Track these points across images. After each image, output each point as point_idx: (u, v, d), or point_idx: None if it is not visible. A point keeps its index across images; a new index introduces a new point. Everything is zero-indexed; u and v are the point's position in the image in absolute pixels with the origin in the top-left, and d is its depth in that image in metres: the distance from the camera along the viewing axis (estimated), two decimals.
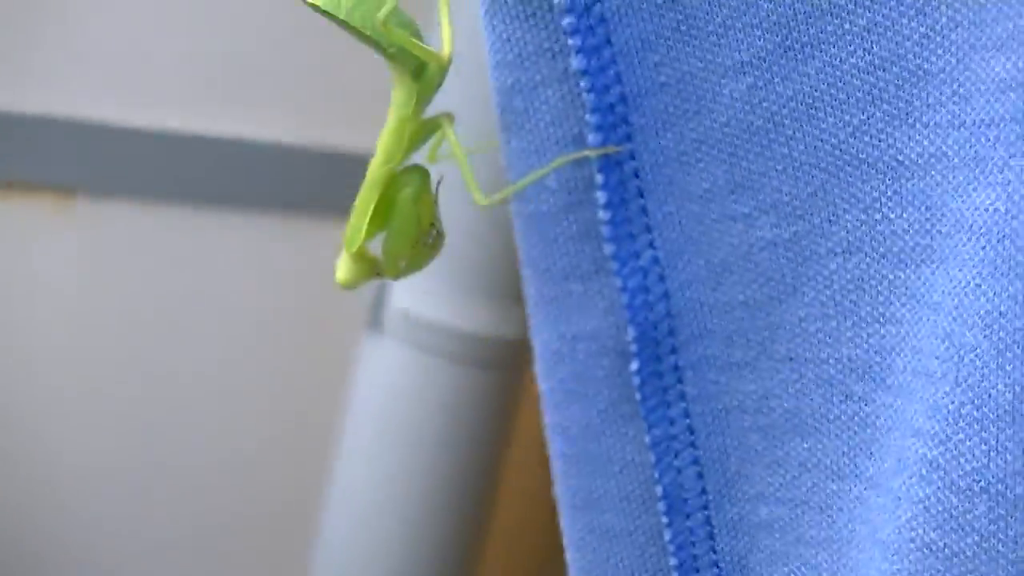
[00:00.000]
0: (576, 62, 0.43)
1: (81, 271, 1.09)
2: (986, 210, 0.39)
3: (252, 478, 1.17)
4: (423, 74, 0.46)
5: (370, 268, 0.47)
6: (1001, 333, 0.38)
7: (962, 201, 0.40)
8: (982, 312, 0.39)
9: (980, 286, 0.39)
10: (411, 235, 0.46)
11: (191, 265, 1.11)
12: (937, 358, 0.40)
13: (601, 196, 0.44)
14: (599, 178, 0.44)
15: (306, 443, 1.13)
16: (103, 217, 1.08)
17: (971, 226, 0.39)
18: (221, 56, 1.07)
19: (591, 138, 0.44)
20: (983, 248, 0.39)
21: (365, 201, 0.46)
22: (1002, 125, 0.38)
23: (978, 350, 0.39)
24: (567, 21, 0.43)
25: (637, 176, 0.45)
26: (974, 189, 0.39)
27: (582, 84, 0.43)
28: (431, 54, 0.45)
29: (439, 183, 0.46)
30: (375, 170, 0.46)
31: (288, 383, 1.14)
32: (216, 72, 1.06)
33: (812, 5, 0.42)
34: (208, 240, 1.10)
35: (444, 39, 0.46)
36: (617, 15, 0.44)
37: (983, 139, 0.39)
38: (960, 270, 0.40)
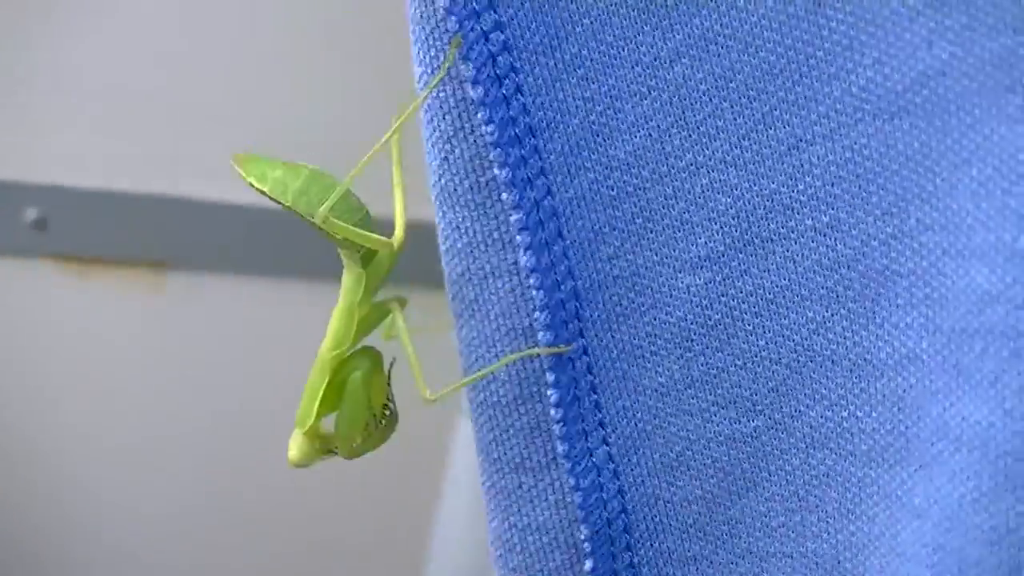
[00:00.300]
0: (524, 259, 0.41)
1: (172, 341, 1.12)
2: (977, 423, 0.37)
3: (352, 555, 1.18)
4: (372, 260, 0.44)
5: (323, 446, 0.46)
6: (1011, 549, 0.37)
7: (943, 409, 0.39)
8: (986, 528, 0.37)
9: (980, 501, 0.38)
10: (361, 417, 0.45)
11: (281, 336, 1.13)
12: (929, 568, 0.39)
13: (552, 394, 0.43)
14: (549, 376, 0.42)
15: (406, 520, 1.14)
16: (193, 289, 1.12)
17: (959, 437, 0.38)
18: (309, 133, 1.09)
19: (540, 336, 0.42)
20: (978, 462, 0.38)
21: (314, 384, 0.45)
22: (989, 338, 0.37)
23: (983, 564, 0.37)
24: (515, 217, 0.41)
25: (590, 372, 0.43)
26: (958, 399, 0.38)
27: (531, 281, 0.42)
28: (380, 242, 0.43)
29: (392, 364, 0.45)
30: (324, 354, 0.44)
31: (387, 459, 1.12)
32: (304, 148, 1.05)
33: (772, 201, 0.41)
34: (297, 311, 1.12)
35: (397, 224, 0.44)
36: (570, 207, 0.42)
37: (965, 348, 0.38)
38: (951, 482, 0.38)
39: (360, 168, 0.42)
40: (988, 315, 0.37)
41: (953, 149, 0.38)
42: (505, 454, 0.44)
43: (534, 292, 0.42)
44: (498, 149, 0.41)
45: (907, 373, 0.40)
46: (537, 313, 0.42)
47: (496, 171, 0.41)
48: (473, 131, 0.41)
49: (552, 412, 0.43)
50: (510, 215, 0.41)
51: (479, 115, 0.40)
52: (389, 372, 0.45)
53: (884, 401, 0.41)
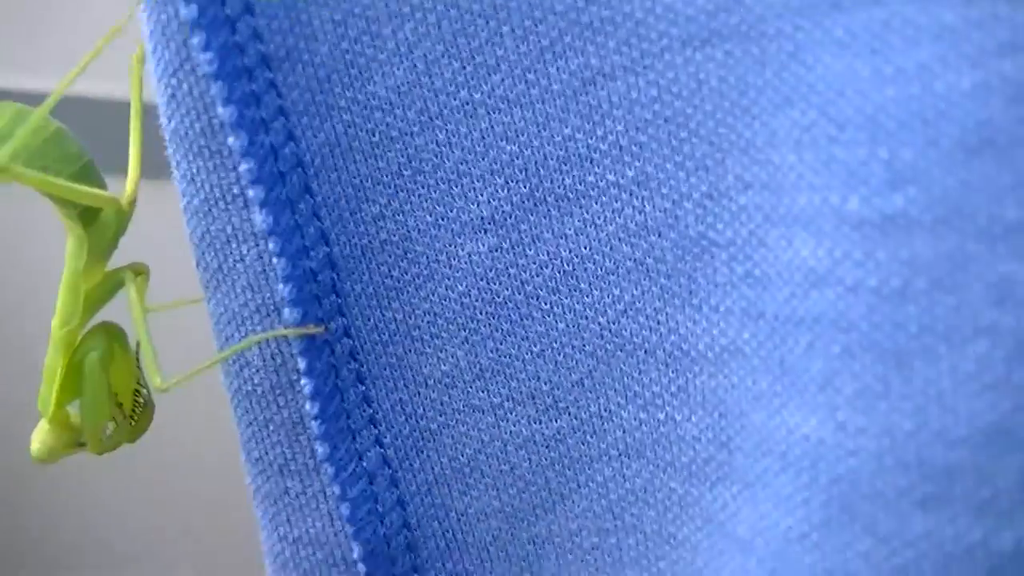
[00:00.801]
0: (260, 219, 0.33)
1: None
2: (805, 438, 0.29)
3: None
4: (95, 220, 0.36)
5: (72, 439, 0.38)
6: None
7: (767, 416, 0.30)
8: (819, 570, 0.29)
9: (810, 536, 0.29)
10: (104, 405, 0.37)
11: None
12: None
13: (306, 384, 0.34)
14: (301, 363, 0.34)
15: None
16: None
17: (784, 454, 0.30)
18: None
19: (287, 314, 0.34)
20: (806, 487, 0.29)
21: (51, 365, 0.37)
22: (817, 329, 0.29)
23: None
24: (245, 167, 0.33)
25: (354, 358, 0.35)
26: (783, 405, 0.30)
27: (270, 246, 0.33)
28: (99, 197, 0.35)
29: (138, 343, 0.37)
30: (54, 331, 0.37)
31: None
32: None
33: (567, 150, 0.32)
34: None
35: (129, 176, 0.36)
36: (321, 156, 0.33)
37: (790, 341, 0.29)
38: (777, 509, 0.30)
39: (56, 96, 0.33)
40: (815, 300, 0.28)
41: (772, 84, 0.29)
42: (266, 453, 0.36)
43: (275, 260, 0.33)
44: (219, 82, 0.32)
45: (728, 369, 0.31)
46: (280, 285, 0.34)
47: (220, 109, 0.32)
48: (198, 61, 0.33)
49: (307, 406, 0.35)
50: (239, 164, 0.33)
51: (195, 39, 0.32)
52: (137, 352, 0.37)
53: (704, 403, 0.32)
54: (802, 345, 0.29)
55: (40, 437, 0.38)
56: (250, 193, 0.33)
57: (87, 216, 0.35)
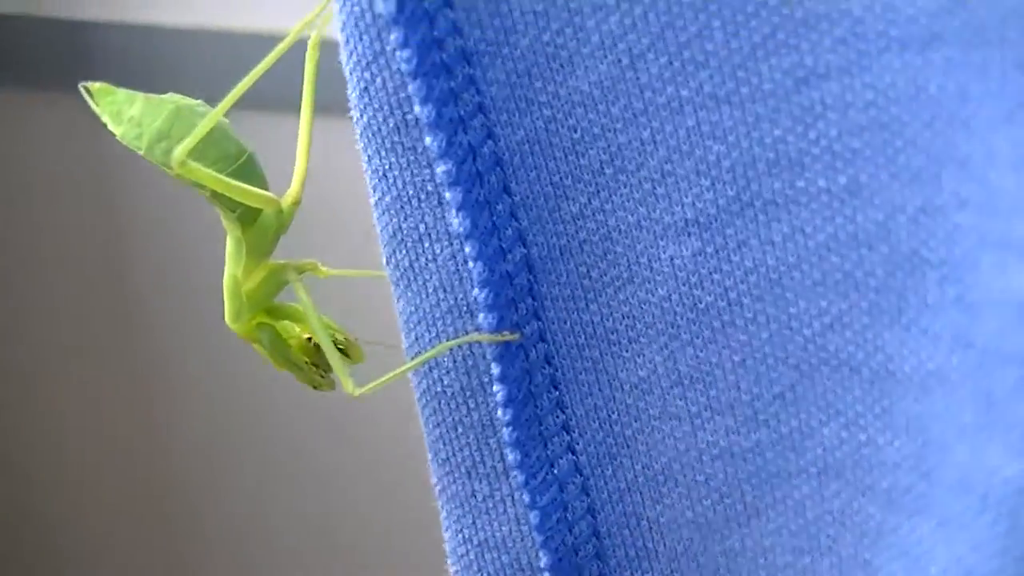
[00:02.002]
0: (457, 221, 0.32)
1: None
2: (1007, 483, 0.27)
3: None
4: (254, 221, 0.35)
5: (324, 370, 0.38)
6: None
7: (971, 452, 0.29)
8: None
9: None
10: (298, 373, 0.37)
11: None
12: None
13: (499, 390, 0.33)
14: (495, 369, 0.33)
15: None
16: None
17: (985, 495, 0.28)
18: None
19: (481, 318, 0.33)
20: (1006, 534, 0.28)
21: (270, 356, 0.38)
22: None
23: None
24: (442, 169, 0.32)
25: (549, 363, 0.34)
26: (987, 442, 0.28)
27: (467, 250, 0.32)
28: (261, 198, 0.34)
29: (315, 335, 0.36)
30: (231, 326, 0.36)
31: None
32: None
33: (777, 152, 0.31)
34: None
35: (296, 175, 0.35)
36: (520, 155, 0.32)
37: (999, 376, 0.28)
38: (972, 552, 0.28)
39: (234, 97, 0.33)
40: None
41: (994, 96, 0.27)
42: (454, 455, 0.35)
43: (471, 263, 0.33)
44: (418, 80, 0.31)
45: (934, 396, 0.30)
46: (476, 290, 0.33)
47: (417, 108, 0.32)
48: (394, 56, 0.32)
49: (500, 413, 0.34)
50: (436, 165, 0.32)
51: (393, 35, 0.31)
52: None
53: (908, 428, 0.31)
54: (1010, 382, 0.27)
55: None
56: (447, 195, 0.32)
57: (246, 217, 0.35)
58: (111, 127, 0.34)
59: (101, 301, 1.02)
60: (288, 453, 1.02)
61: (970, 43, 0.27)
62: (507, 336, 0.33)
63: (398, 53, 0.31)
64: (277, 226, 0.36)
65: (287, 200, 0.35)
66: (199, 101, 0.35)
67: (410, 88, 0.31)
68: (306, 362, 0.37)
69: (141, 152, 0.33)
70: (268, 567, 1.08)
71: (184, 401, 1.03)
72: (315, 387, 0.37)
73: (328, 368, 0.37)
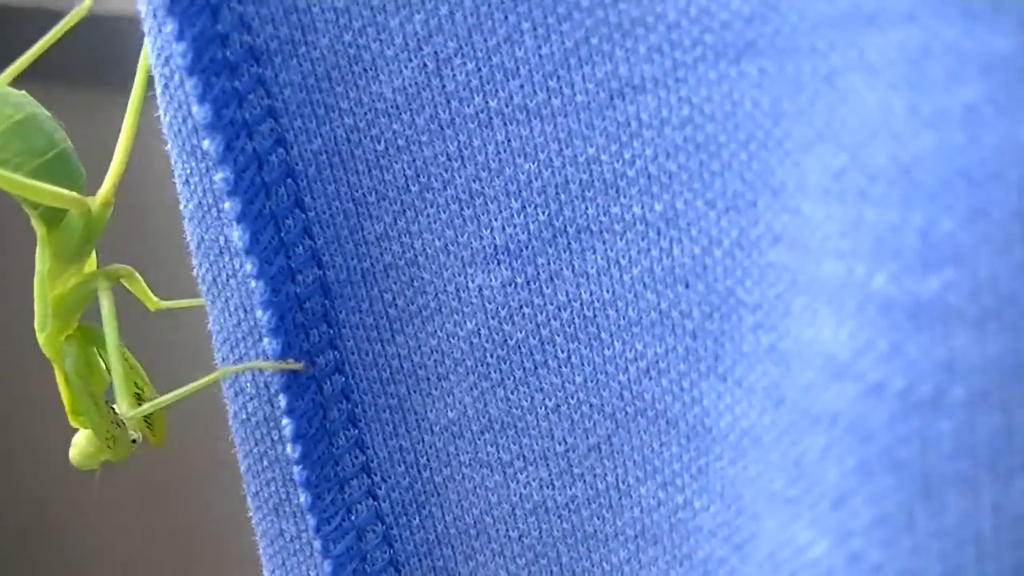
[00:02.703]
0: (237, 236, 0.29)
1: None
2: (815, 564, 0.24)
3: None
4: (59, 222, 0.32)
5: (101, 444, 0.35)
6: None
7: (779, 526, 0.25)
8: None
9: None
10: (92, 412, 0.34)
11: None
12: None
13: (288, 424, 0.30)
14: (282, 400, 0.30)
15: None
16: None
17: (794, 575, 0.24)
18: None
19: (267, 344, 0.29)
20: None
21: (57, 375, 0.34)
22: (834, 433, 0.23)
23: None
24: (221, 176, 0.28)
25: (347, 397, 0.30)
26: (796, 517, 0.24)
27: (248, 267, 0.29)
28: (63, 198, 0.31)
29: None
30: (38, 339, 0.33)
31: None
32: None
33: (591, 173, 0.27)
34: None
35: (109, 174, 0.32)
36: (316, 165, 0.29)
37: (808, 440, 0.24)
38: None
39: (9, 75, 0.30)
40: (834, 395, 0.23)
41: (806, 115, 0.23)
42: (262, 490, 0.32)
43: (252, 282, 0.29)
44: (194, 77, 0.28)
45: (747, 459, 0.26)
46: (259, 312, 0.29)
47: (195, 108, 0.28)
48: None
49: (290, 449, 0.30)
50: (214, 172, 0.29)
51: (168, 28, 0.28)
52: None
53: (723, 494, 0.27)
54: (818, 448, 0.23)
55: (76, 443, 0.35)
56: (226, 205, 0.28)
57: (50, 216, 0.32)
58: None
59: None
60: None
61: (782, 51, 0.24)
62: (291, 365, 0.29)
63: (174, 46, 0.28)
64: (85, 228, 0.32)
65: (97, 201, 0.32)
66: (21, 91, 0.32)
67: (187, 86, 0.28)
68: (108, 407, 0.34)
69: None
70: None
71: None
72: (104, 446, 0.34)
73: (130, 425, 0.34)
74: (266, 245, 0.29)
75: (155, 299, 0.35)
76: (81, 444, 0.35)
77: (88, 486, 1.03)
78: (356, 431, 0.30)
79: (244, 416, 0.31)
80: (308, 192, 0.29)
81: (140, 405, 0.34)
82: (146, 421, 0.34)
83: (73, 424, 0.35)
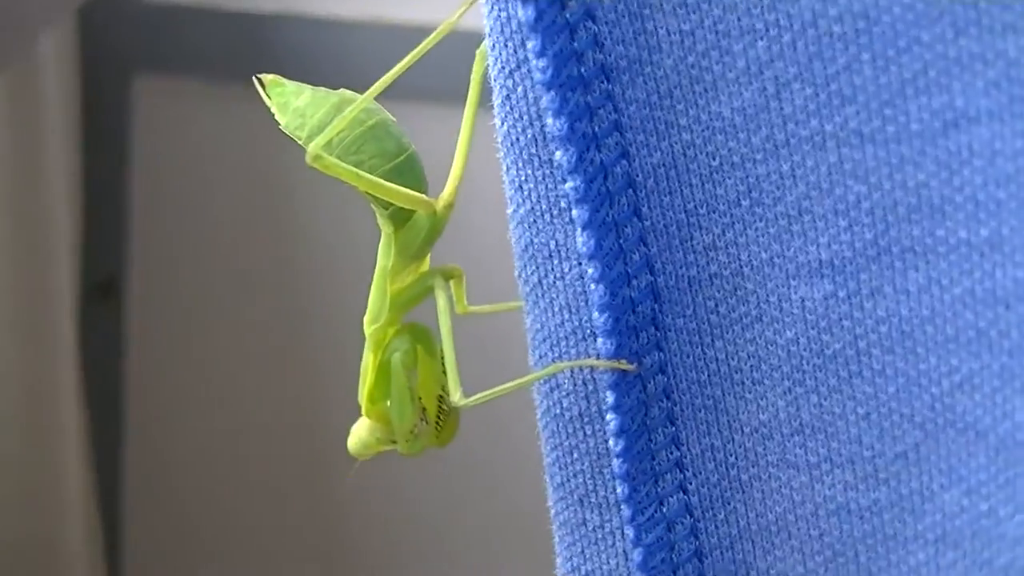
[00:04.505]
0: (582, 241, 0.31)
1: None
2: None
3: None
4: (406, 221, 0.35)
5: (384, 436, 0.38)
6: None
7: None
8: None
9: None
10: (408, 408, 0.36)
11: None
12: None
13: (612, 420, 0.32)
14: (609, 397, 0.32)
15: None
16: None
17: None
18: None
19: (600, 344, 0.32)
20: None
21: (364, 363, 0.37)
22: None
23: None
24: (571, 185, 0.31)
25: (667, 397, 0.33)
26: None
27: (590, 271, 0.32)
28: (412, 199, 0.34)
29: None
30: (366, 329, 0.36)
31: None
32: None
33: (919, 198, 0.29)
34: None
35: (451, 177, 0.35)
36: (655, 178, 0.31)
37: None
38: None
39: (380, 87, 0.33)
40: None
41: None
42: (569, 481, 0.34)
43: (593, 286, 0.32)
44: (552, 91, 0.31)
45: None
46: (596, 314, 0.32)
47: (550, 120, 0.31)
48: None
49: (611, 443, 0.33)
50: (565, 180, 0.31)
51: (530, 44, 0.31)
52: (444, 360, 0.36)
53: None
54: None
55: (356, 432, 0.38)
56: (574, 212, 0.31)
57: (399, 216, 0.35)
58: (277, 116, 0.35)
59: (266, 297, 1.03)
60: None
61: None
62: (624, 365, 0.32)
63: (535, 62, 0.30)
64: (429, 229, 0.35)
65: (440, 203, 0.35)
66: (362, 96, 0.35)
67: (544, 99, 0.31)
68: (422, 406, 0.37)
69: (301, 142, 0.34)
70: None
71: (353, 400, 1.03)
72: (403, 440, 0.37)
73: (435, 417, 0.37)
74: (607, 251, 0.31)
75: (466, 303, 0.38)
76: (361, 434, 0.38)
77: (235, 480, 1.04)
78: (674, 428, 0.33)
79: (558, 411, 0.34)
80: (646, 202, 0.32)
81: (442, 403, 0.37)
82: (437, 422, 0.37)
83: (365, 413, 0.38)
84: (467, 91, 0.35)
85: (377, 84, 0.33)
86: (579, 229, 0.31)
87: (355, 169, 0.33)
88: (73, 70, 0.99)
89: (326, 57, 0.92)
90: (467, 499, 1.06)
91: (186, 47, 0.99)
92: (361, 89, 0.35)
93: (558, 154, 0.31)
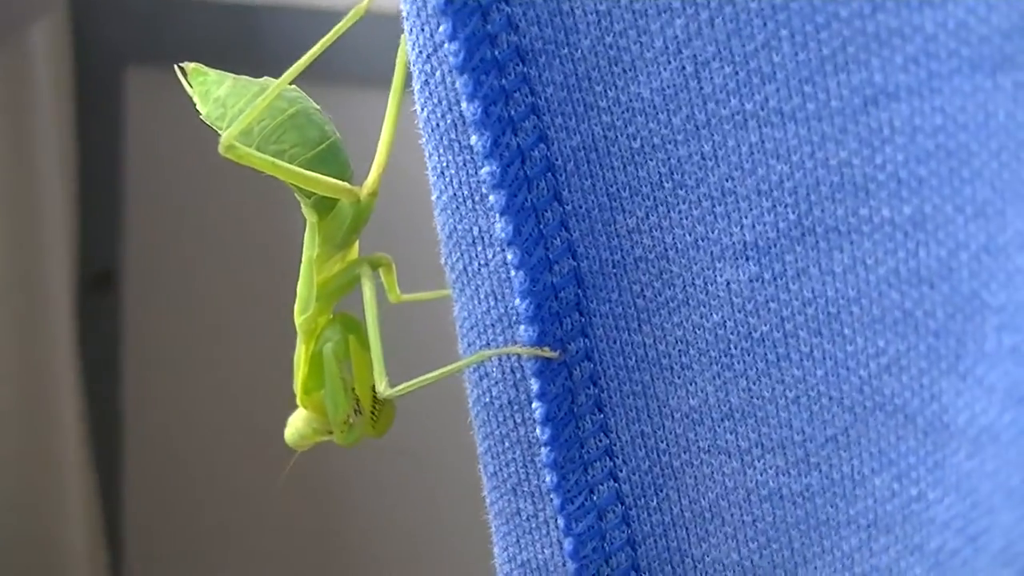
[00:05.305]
0: (500, 226, 0.31)
1: None
2: None
3: None
4: (329, 210, 0.34)
5: (321, 427, 0.37)
6: None
7: (1016, 519, 0.26)
8: None
9: None
10: (341, 399, 0.36)
11: None
12: None
13: (538, 408, 0.32)
14: (534, 385, 0.32)
15: None
16: None
17: None
18: None
19: (522, 331, 0.31)
20: None
21: (297, 353, 0.36)
22: None
23: None
24: (487, 170, 0.30)
25: (594, 383, 0.32)
26: None
27: (510, 258, 0.31)
28: (333, 187, 0.33)
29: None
30: (296, 319, 0.36)
31: None
32: None
33: (842, 176, 0.29)
34: None
35: (375, 165, 0.34)
36: (574, 161, 0.31)
37: None
38: None
39: (292, 73, 0.32)
40: None
41: None
42: (501, 470, 0.34)
43: (513, 272, 0.31)
44: (465, 75, 0.30)
45: (985, 454, 0.27)
46: (518, 300, 0.31)
47: (464, 105, 0.30)
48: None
49: (538, 431, 0.32)
50: (481, 165, 0.31)
51: (441, 27, 0.30)
52: None
53: (958, 487, 0.28)
54: None
55: (292, 422, 0.38)
56: (491, 198, 0.30)
57: (322, 205, 0.34)
58: (199, 106, 0.34)
59: (263, 287, 1.02)
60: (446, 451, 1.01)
61: None
62: (546, 353, 0.31)
63: (447, 45, 0.30)
64: (354, 217, 0.35)
65: (364, 191, 0.35)
66: (292, 86, 0.34)
67: (458, 83, 0.30)
68: (356, 396, 0.36)
69: (221, 132, 0.33)
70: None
71: None
72: (339, 430, 0.36)
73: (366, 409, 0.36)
74: (527, 236, 0.31)
75: (398, 291, 0.37)
76: (298, 425, 0.38)
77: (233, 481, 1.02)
78: (601, 415, 0.32)
79: (488, 399, 0.33)
80: (566, 186, 0.31)
81: (374, 394, 0.36)
82: (372, 412, 0.37)
83: (301, 404, 0.37)
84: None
85: (290, 70, 0.32)
86: (497, 215, 0.31)
87: (271, 159, 0.33)
88: (66, 62, 0.98)
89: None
90: (467, 498, 1.06)
91: (179, 37, 0.98)
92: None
93: (474, 139, 0.30)
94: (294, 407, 0.38)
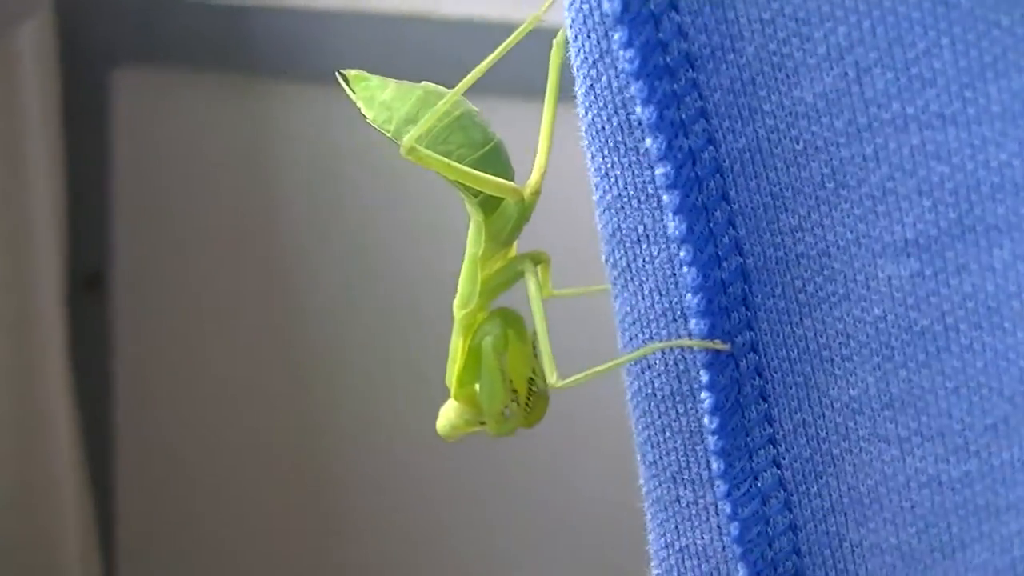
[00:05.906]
0: (673, 225, 0.32)
1: None
2: None
3: None
4: (495, 208, 0.36)
5: (473, 418, 0.39)
6: None
7: None
8: None
9: None
10: (498, 390, 0.37)
11: None
12: None
13: (706, 398, 0.33)
14: (704, 376, 0.33)
15: None
16: None
17: None
18: None
19: (693, 325, 0.33)
20: None
21: (453, 347, 0.38)
22: None
23: None
24: (661, 171, 0.32)
25: (759, 374, 0.34)
26: None
27: (682, 254, 0.33)
28: (500, 186, 0.35)
29: (535, 334, 0.37)
30: (455, 313, 0.38)
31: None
32: None
33: (1002, 176, 0.30)
34: None
35: (536, 165, 0.36)
36: (741, 162, 0.32)
37: None
38: None
39: (469, 81, 0.34)
40: None
41: None
42: (661, 459, 0.35)
43: (685, 268, 0.33)
44: (640, 81, 0.31)
45: None
46: (689, 296, 0.33)
47: (639, 109, 0.32)
48: (619, 55, 0.32)
49: (706, 421, 0.34)
50: (655, 167, 0.32)
51: (616, 35, 0.31)
52: (535, 339, 0.37)
53: None
54: None
55: (444, 414, 0.39)
56: (664, 198, 0.32)
57: (488, 204, 0.36)
58: (364, 111, 0.36)
59: (253, 287, 1.03)
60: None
61: None
62: (717, 345, 0.33)
63: (621, 53, 0.31)
64: (518, 215, 0.36)
65: (528, 190, 0.36)
66: (451, 90, 0.36)
67: (632, 89, 0.32)
68: (513, 390, 0.38)
69: (390, 135, 0.35)
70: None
71: (340, 393, 1.03)
72: (495, 421, 0.38)
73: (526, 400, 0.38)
74: (698, 234, 0.32)
75: (551, 287, 0.39)
76: (450, 416, 0.39)
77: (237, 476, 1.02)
78: (766, 405, 0.34)
79: (650, 391, 0.35)
80: (733, 186, 0.32)
81: (532, 385, 0.38)
82: (527, 403, 0.38)
83: (454, 396, 0.39)
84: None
85: (467, 79, 0.34)
86: (670, 214, 0.32)
87: (447, 160, 0.34)
88: (53, 63, 0.99)
89: (307, 48, 0.92)
90: (466, 497, 1.06)
91: (167, 37, 0.98)
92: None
93: (647, 142, 0.32)
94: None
